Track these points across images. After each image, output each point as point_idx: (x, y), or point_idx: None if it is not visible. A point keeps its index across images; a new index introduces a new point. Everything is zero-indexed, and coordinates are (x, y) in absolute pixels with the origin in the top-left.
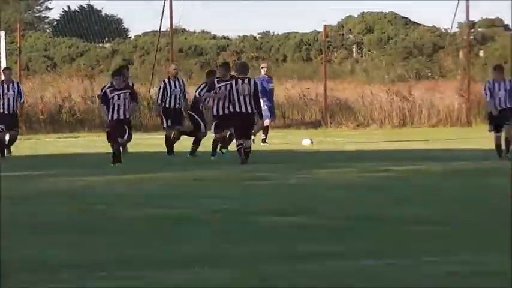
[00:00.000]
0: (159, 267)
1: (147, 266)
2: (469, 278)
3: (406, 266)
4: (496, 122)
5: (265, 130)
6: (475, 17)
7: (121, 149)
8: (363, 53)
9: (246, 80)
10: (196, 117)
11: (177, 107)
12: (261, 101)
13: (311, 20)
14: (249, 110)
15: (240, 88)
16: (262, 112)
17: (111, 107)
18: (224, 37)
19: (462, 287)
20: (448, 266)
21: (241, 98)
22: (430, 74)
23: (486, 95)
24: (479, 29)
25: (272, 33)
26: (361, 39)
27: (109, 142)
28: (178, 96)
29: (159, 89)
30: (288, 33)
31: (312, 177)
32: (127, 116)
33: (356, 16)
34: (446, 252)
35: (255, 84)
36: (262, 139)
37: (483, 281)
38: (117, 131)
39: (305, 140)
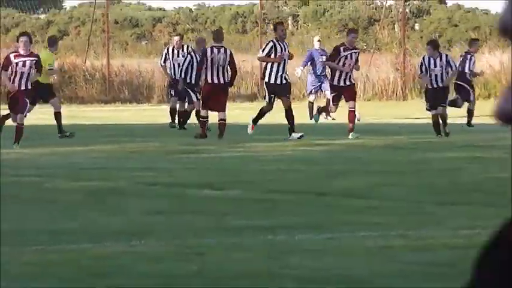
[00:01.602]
0: (95, 240)
1: (83, 238)
2: (404, 251)
3: (343, 239)
4: (432, 101)
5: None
6: None
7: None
8: (298, 25)
9: (222, 50)
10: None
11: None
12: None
13: None
14: (222, 81)
15: (215, 57)
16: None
17: (13, 73)
18: (160, 8)
19: (398, 260)
20: (383, 240)
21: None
22: (365, 47)
23: (421, 72)
24: (415, 2)
25: (207, 5)
26: (297, 12)
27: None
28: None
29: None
30: (224, 5)
31: (248, 150)
32: (29, 87)
33: None
34: (381, 226)
35: (231, 54)
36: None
37: (416, 254)
38: (19, 105)
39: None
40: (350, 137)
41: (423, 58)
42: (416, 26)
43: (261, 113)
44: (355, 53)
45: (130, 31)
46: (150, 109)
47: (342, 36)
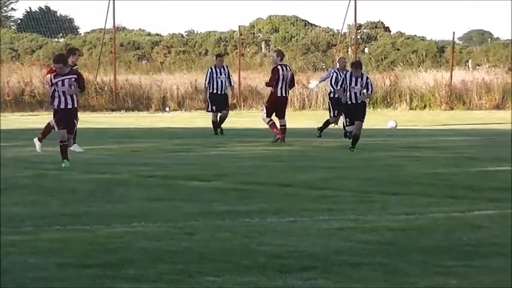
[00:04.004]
0: (104, 222)
1: (95, 220)
2: (354, 232)
3: (304, 222)
4: (350, 116)
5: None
6: (361, 20)
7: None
8: (270, 48)
9: (287, 67)
10: None
11: (221, 93)
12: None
13: (228, 21)
14: (285, 94)
15: (285, 74)
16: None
17: (56, 94)
18: (157, 34)
19: (349, 240)
20: (337, 224)
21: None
22: (324, 67)
23: (341, 86)
24: (365, 30)
25: (196, 32)
26: (269, 38)
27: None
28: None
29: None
30: (209, 31)
31: (228, 150)
32: (75, 106)
33: (265, 18)
34: (335, 212)
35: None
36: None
37: (364, 235)
38: (66, 125)
39: (390, 122)
40: None
41: (345, 75)
42: (366, 50)
43: None
44: None
45: (133, 52)
46: (148, 116)
47: (306, 58)
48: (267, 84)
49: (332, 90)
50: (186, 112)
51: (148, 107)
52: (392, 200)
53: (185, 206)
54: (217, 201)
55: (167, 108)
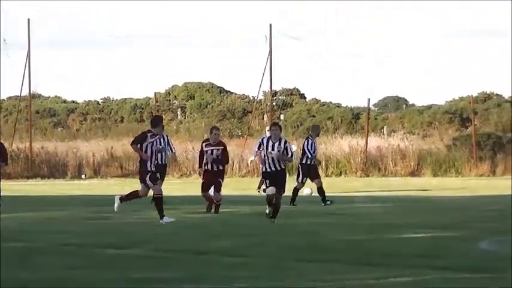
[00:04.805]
0: None
1: None
2: None
3: None
4: (270, 182)
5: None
6: (277, 86)
7: None
8: (186, 115)
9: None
10: None
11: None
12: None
13: (144, 87)
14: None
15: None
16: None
17: None
18: (73, 101)
19: None
20: None
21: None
22: (240, 133)
23: (257, 150)
24: (280, 97)
25: (112, 99)
26: (185, 104)
27: None
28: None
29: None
30: (125, 98)
31: (145, 216)
32: None
33: (180, 85)
34: (250, 279)
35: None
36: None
37: None
38: None
39: (306, 190)
40: None
41: (262, 139)
42: (282, 116)
43: None
44: None
45: (49, 119)
46: (64, 183)
47: (221, 124)
48: (227, 162)
49: (309, 156)
50: (103, 179)
51: (64, 175)
52: (308, 266)
53: (101, 274)
54: (133, 269)
55: (83, 176)
